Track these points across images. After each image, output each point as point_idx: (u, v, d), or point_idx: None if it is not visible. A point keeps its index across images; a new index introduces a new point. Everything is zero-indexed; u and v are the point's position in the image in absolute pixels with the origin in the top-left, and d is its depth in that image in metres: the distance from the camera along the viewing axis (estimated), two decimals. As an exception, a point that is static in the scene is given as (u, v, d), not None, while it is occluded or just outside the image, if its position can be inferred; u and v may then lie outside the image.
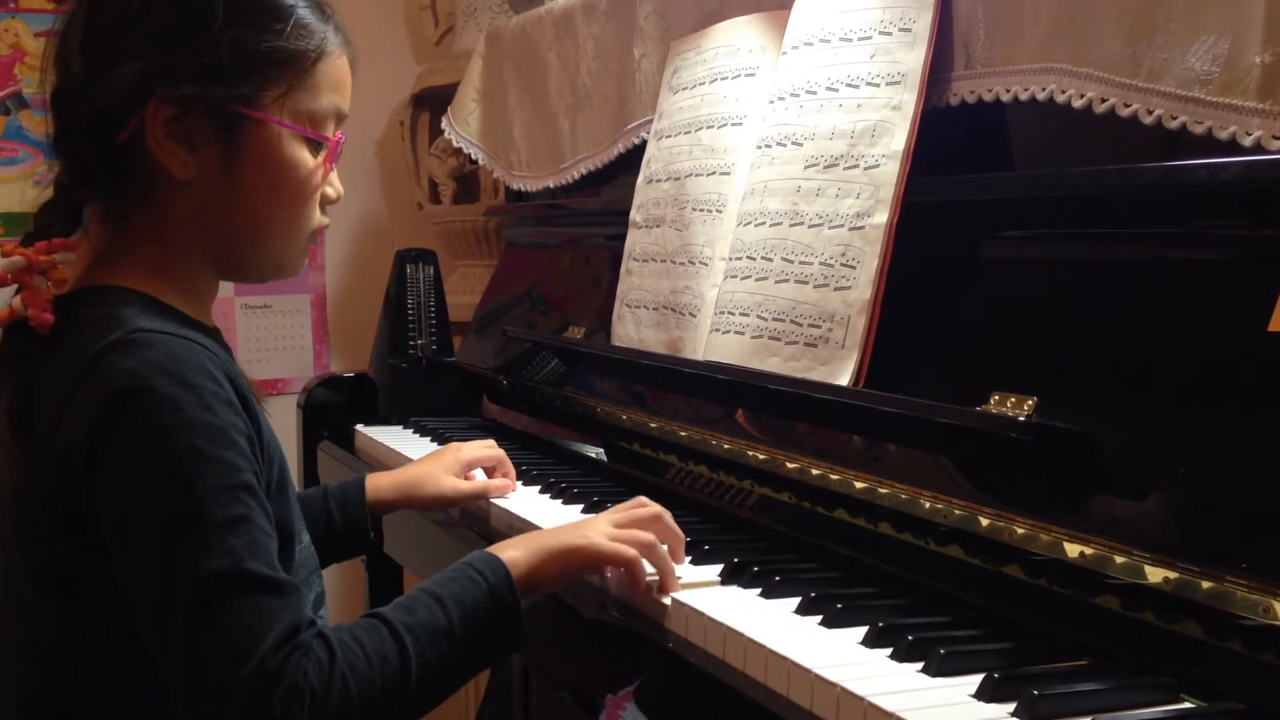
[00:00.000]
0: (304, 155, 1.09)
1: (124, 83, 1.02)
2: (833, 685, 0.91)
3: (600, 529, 1.16)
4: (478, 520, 1.53)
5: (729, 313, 1.48)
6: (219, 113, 1.04)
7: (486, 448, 1.55)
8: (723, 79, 1.63)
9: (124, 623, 0.99)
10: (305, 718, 0.93)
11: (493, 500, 1.51)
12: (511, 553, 1.11)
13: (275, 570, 0.97)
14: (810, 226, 1.38)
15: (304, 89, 1.08)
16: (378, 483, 1.46)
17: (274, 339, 2.96)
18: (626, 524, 1.18)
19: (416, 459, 1.58)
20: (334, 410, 2.18)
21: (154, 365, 0.97)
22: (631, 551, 1.14)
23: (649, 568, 1.16)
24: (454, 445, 1.56)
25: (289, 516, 1.09)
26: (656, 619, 1.13)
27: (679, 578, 1.17)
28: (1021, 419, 1.06)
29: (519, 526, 1.41)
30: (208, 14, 1.03)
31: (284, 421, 2.17)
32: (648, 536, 1.16)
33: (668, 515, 1.21)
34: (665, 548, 1.18)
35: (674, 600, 1.11)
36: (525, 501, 1.51)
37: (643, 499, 1.22)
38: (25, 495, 1.03)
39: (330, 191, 1.15)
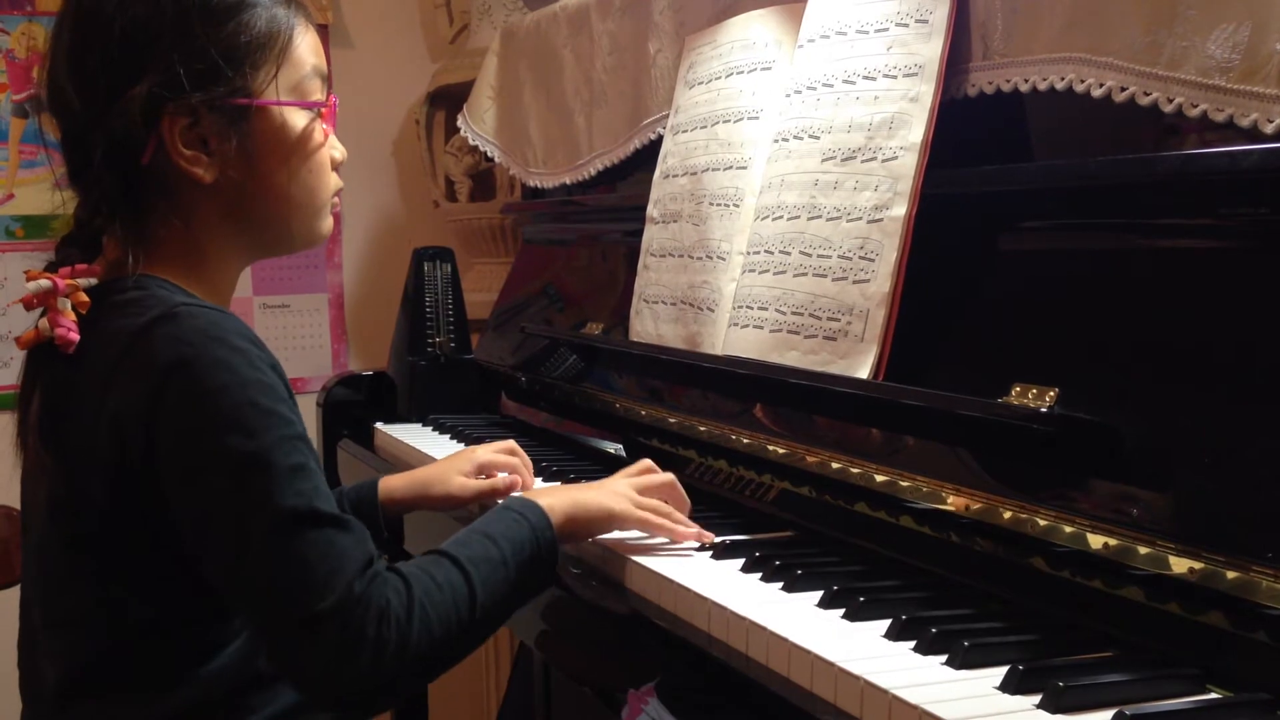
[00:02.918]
0: (305, 124, 1.15)
1: (133, 107, 1.06)
2: (856, 678, 0.91)
3: (624, 493, 1.28)
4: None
5: (747, 307, 1.48)
6: (225, 110, 1.10)
7: (503, 450, 1.55)
8: (739, 73, 1.63)
9: (161, 591, 1.05)
10: (394, 639, 0.99)
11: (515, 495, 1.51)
12: (547, 499, 1.21)
13: (338, 510, 1.03)
14: (828, 220, 1.37)
15: (288, 65, 1.14)
16: (391, 483, 1.49)
17: (292, 338, 2.97)
18: (643, 489, 1.30)
19: (435, 457, 1.59)
20: (353, 408, 2.19)
21: (202, 334, 1.03)
22: (656, 519, 1.27)
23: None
24: (471, 447, 1.57)
25: None
26: (679, 613, 1.14)
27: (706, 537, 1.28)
28: (1043, 410, 1.06)
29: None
30: (186, 25, 1.08)
31: (304, 420, 2.18)
32: (665, 507, 1.29)
33: (677, 482, 1.32)
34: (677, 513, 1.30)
35: (697, 595, 1.11)
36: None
37: (648, 463, 1.34)
38: (66, 481, 1.07)
39: (336, 154, 1.20)
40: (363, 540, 1.03)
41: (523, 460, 1.55)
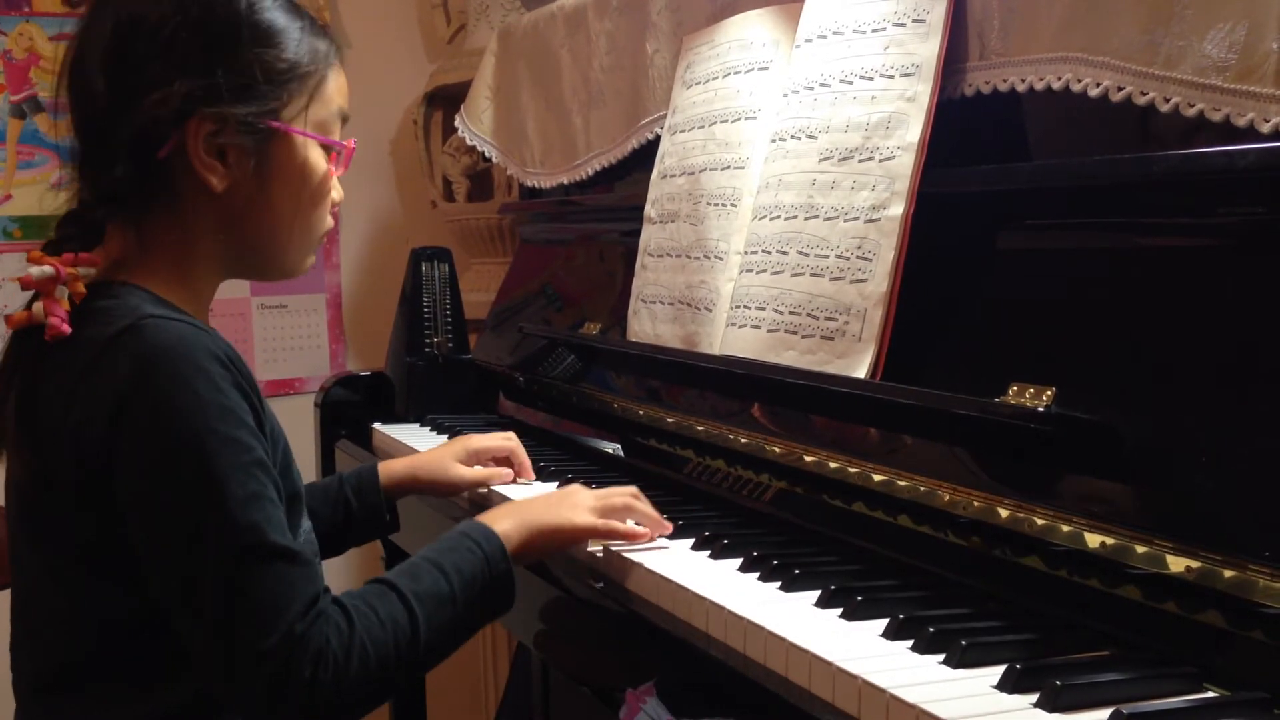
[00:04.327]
0: (322, 161, 1.17)
1: (167, 104, 1.07)
2: (854, 677, 0.91)
3: (584, 501, 1.27)
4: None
5: (745, 307, 1.48)
6: (252, 128, 1.11)
7: (499, 438, 1.59)
8: (736, 73, 1.63)
9: (135, 590, 1.04)
10: (330, 679, 0.99)
11: (510, 496, 1.51)
12: (503, 525, 1.20)
13: (291, 542, 1.03)
14: (826, 219, 1.37)
15: (318, 100, 1.16)
16: (390, 468, 1.52)
17: (290, 338, 2.97)
18: (606, 498, 1.29)
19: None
20: (351, 409, 2.19)
21: (166, 349, 1.02)
22: (607, 524, 1.26)
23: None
24: (466, 435, 1.62)
25: (296, 494, 1.14)
26: (677, 613, 1.14)
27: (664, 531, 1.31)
28: (1040, 409, 1.06)
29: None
30: (236, 38, 1.10)
31: (301, 421, 2.19)
32: (623, 500, 1.29)
33: (639, 493, 1.32)
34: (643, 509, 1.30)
35: (695, 595, 1.11)
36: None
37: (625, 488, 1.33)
38: (36, 481, 1.07)
39: (336, 195, 1.21)
40: (312, 575, 1.02)
41: (516, 446, 1.58)
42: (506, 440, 1.58)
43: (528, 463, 1.59)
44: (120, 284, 1.10)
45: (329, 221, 1.21)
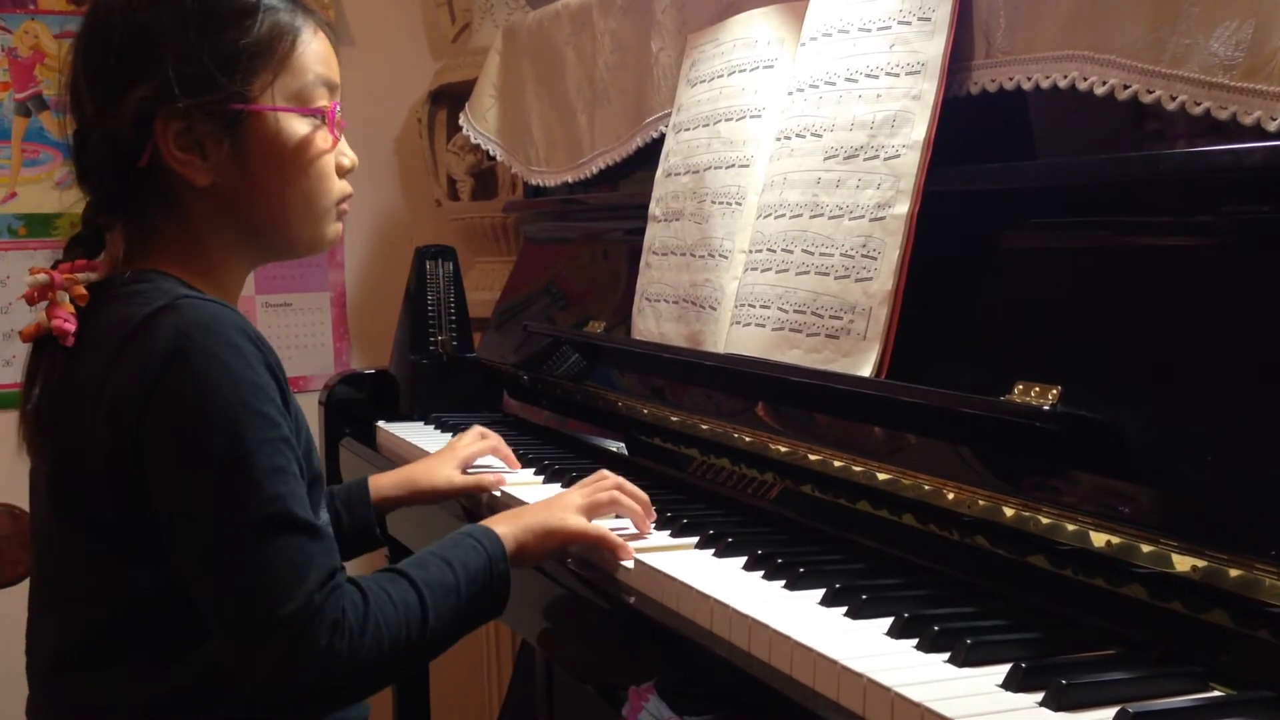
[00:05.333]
0: (305, 131, 1.16)
1: (128, 112, 1.09)
2: (859, 676, 0.91)
3: (573, 503, 1.29)
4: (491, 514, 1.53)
5: (749, 305, 1.48)
6: (218, 115, 1.11)
7: (479, 443, 1.61)
8: (741, 71, 1.63)
9: (160, 571, 1.06)
10: (346, 650, 1.02)
11: (511, 494, 1.51)
12: (502, 528, 1.23)
13: (313, 517, 1.05)
14: (830, 218, 1.37)
15: (288, 72, 1.15)
16: (379, 482, 1.54)
17: (295, 337, 2.97)
18: (593, 495, 1.31)
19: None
20: (355, 407, 2.19)
21: (202, 327, 1.05)
22: (598, 530, 1.27)
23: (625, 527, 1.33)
24: (452, 442, 1.64)
25: (318, 478, 1.17)
26: (681, 611, 1.13)
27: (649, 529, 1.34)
28: (1046, 408, 1.06)
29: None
30: (183, 30, 1.10)
31: (306, 418, 2.18)
32: (610, 495, 1.31)
33: (626, 483, 1.34)
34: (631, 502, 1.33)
35: (699, 593, 1.11)
36: (546, 496, 1.51)
37: (603, 472, 1.36)
38: (64, 463, 1.09)
39: (345, 161, 1.22)
40: (330, 550, 1.05)
41: (497, 442, 1.62)
42: (485, 440, 1.62)
43: (510, 452, 1.62)
44: (153, 271, 1.12)
45: (338, 188, 1.20)
